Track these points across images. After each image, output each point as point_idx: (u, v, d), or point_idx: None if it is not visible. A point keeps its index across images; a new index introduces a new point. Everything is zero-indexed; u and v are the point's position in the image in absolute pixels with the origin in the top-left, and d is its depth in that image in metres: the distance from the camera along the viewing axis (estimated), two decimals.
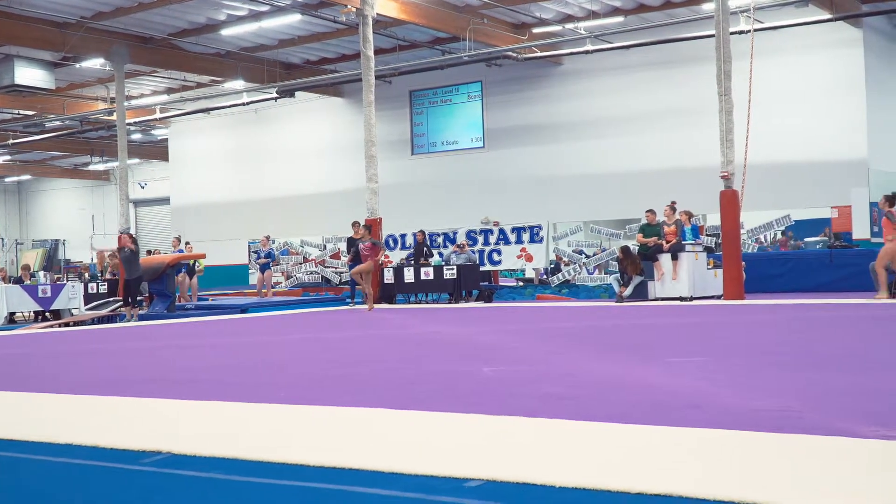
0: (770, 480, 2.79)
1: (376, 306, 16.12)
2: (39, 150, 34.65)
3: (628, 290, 15.17)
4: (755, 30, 17.80)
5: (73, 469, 3.49)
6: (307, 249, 23.38)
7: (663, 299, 14.90)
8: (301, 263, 23.29)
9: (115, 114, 23.22)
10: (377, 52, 20.18)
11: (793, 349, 7.06)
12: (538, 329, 10.01)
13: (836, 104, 19.58)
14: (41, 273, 20.77)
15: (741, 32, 17.95)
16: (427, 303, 17.95)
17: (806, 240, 19.76)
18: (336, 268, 22.59)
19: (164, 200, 34.07)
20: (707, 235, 17.65)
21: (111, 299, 18.35)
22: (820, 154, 19.67)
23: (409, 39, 22.45)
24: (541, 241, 19.12)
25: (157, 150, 34.53)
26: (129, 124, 25.80)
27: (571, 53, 21.86)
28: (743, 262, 15.12)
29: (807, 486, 2.73)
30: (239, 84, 24.90)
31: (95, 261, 23.61)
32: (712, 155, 16.10)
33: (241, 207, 28.78)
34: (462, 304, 16.86)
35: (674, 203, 15.50)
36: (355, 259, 16.66)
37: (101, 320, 16.56)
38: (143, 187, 36.40)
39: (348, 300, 18.13)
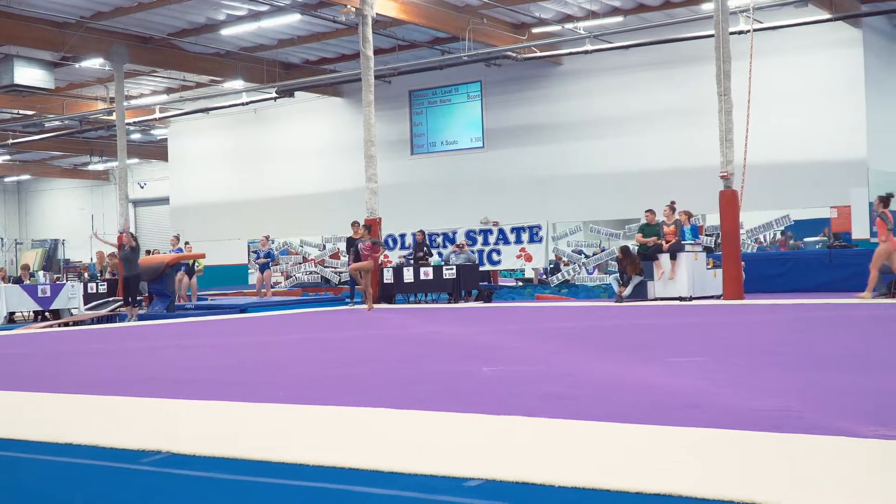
0: (769, 480, 2.79)
1: (375, 306, 16.12)
2: (39, 150, 34.65)
3: (628, 290, 15.17)
4: (754, 30, 17.81)
5: (73, 469, 3.49)
6: (306, 249, 23.39)
7: (663, 299, 14.90)
8: (300, 263, 23.29)
9: (114, 114, 23.23)
10: (376, 51, 20.18)
11: (792, 349, 7.06)
12: (538, 329, 10.01)
13: (835, 104, 19.59)
14: (40, 273, 20.77)
15: (740, 32, 17.95)
16: (426, 303, 17.95)
17: (805, 240, 19.78)
18: (335, 268, 22.59)
19: (164, 200, 34.06)
20: (706, 235, 17.65)
21: (110, 299, 18.34)
22: (819, 154, 19.68)
23: (408, 39, 22.45)
24: (540, 241, 19.12)
25: (157, 150, 34.53)
26: (128, 124, 25.79)
27: (571, 53, 21.86)
28: (742, 262, 15.12)
29: (806, 486, 2.74)
30: (238, 84, 24.89)
31: (95, 260, 23.59)
32: (712, 155, 16.10)
33: (241, 207, 28.78)
34: (461, 304, 16.86)
35: (673, 203, 15.51)
36: (355, 259, 16.66)
37: (100, 320, 16.56)
38: (142, 187, 36.40)
39: (347, 300, 18.13)
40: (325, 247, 22.98)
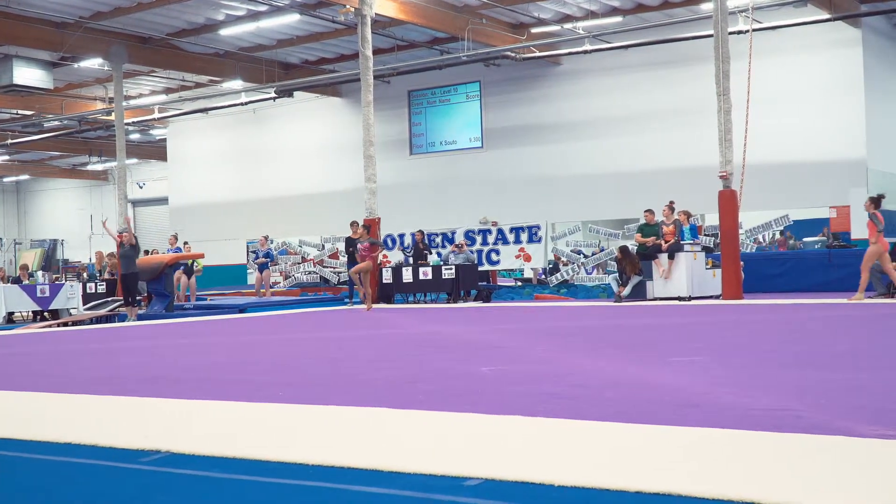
0: (769, 479, 2.79)
1: (375, 306, 16.12)
2: (38, 150, 34.64)
3: (627, 290, 15.18)
4: (754, 30, 17.81)
5: (73, 468, 3.49)
6: (305, 249, 23.37)
7: (662, 299, 14.91)
8: (299, 263, 23.27)
9: (113, 114, 23.22)
10: (376, 51, 20.18)
11: (792, 349, 7.07)
12: (537, 329, 10.02)
13: (834, 104, 19.60)
14: (39, 273, 20.74)
15: (740, 32, 17.96)
16: (425, 303, 17.96)
17: (804, 240, 19.78)
18: (334, 268, 22.58)
19: (163, 200, 34.05)
20: (705, 235, 17.65)
21: (109, 299, 18.32)
22: (818, 154, 19.69)
23: (407, 39, 22.45)
24: (539, 240, 19.11)
25: (156, 150, 34.52)
26: (127, 124, 25.80)
27: (570, 53, 21.86)
28: (741, 262, 15.13)
29: (806, 485, 2.74)
30: (237, 84, 24.89)
31: (94, 260, 23.58)
32: (711, 155, 16.10)
33: (240, 207, 28.77)
34: (460, 304, 16.87)
35: (672, 203, 15.52)
36: (353, 259, 16.66)
37: (99, 320, 16.56)
38: (141, 187, 36.38)
39: (346, 300, 18.13)
40: (324, 247, 22.97)
